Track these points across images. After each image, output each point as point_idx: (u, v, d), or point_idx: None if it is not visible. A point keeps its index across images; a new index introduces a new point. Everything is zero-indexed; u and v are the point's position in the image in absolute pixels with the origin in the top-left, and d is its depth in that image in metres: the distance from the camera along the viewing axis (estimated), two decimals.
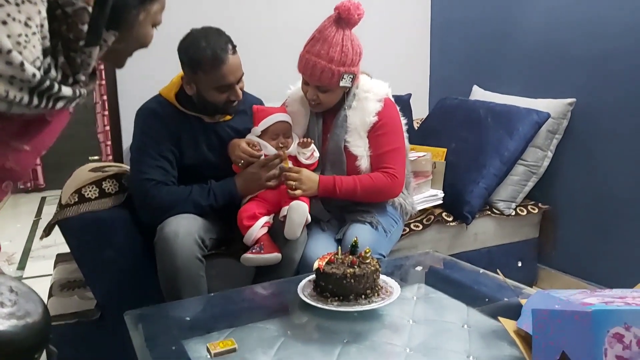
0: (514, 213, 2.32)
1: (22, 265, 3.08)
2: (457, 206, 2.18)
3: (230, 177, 1.69)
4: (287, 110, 1.81)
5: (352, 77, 1.67)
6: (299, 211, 1.58)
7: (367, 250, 1.29)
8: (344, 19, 1.62)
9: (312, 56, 1.62)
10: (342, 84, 1.65)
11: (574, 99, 2.26)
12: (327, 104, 1.71)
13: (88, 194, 1.63)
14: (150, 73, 2.36)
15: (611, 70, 2.13)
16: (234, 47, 1.61)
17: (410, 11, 3.00)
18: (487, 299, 1.38)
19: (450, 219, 2.19)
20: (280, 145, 1.71)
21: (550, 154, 2.32)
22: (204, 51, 1.55)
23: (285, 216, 1.61)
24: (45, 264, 2.97)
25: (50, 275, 2.21)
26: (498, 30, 2.62)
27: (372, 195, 1.73)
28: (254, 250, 1.59)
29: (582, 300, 1.00)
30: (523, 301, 1.20)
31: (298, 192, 1.61)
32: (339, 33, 1.62)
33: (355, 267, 1.24)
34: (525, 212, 2.34)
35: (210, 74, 1.57)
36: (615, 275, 2.18)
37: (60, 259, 2.22)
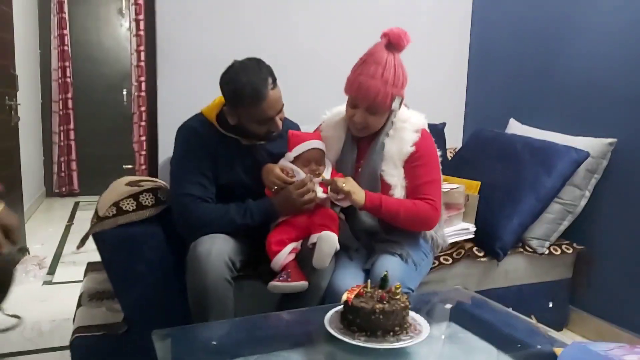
0: (547, 252, 2.26)
1: (52, 270, 3.14)
2: (489, 241, 2.14)
3: (266, 197, 1.70)
4: (322, 135, 1.81)
5: (400, 100, 1.69)
6: (328, 242, 1.57)
7: (398, 286, 1.27)
8: (394, 45, 1.65)
9: (366, 78, 1.62)
10: (394, 105, 1.67)
11: (614, 139, 2.20)
12: (373, 127, 1.71)
13: (126, 207, 1.67)
14: (190, 90, 2.41)
15: None
16: (274, 80, 1.63)
17: (449, 40, 2.99)
18: (518, 344, 1.34)
19: (481, 254, 2.14)
20: (312, 172, 1.71)
21: (587, 194, 2.26)
22: (244, 87, 1.58)
23: (314, 244, 1.60)
24: (75, 270, 3.03)
25: (80, 281, 2.26)
26: (538, 63, 2.59)
27: (413, 222, 1.71)
28: (281, 278, 1.59)
29: (622, 357, 0.96)
30: (557, 351, 1.17)
31: (346, 188, 1.58)
32: (390, 56, 1.64)
33: (385, 302, 1.23)
34: (559, 252, 2.28)
35: (251, 109, 1.61)
36: None
37: (90, 267, 2.27)
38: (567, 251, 2.30)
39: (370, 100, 1.63)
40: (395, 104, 1.67)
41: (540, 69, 2.58)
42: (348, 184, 1.62)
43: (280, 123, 1.68)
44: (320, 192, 1.67)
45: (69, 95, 5.21)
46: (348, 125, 1.79)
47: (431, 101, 2.83)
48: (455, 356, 1.26)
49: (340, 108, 1.86)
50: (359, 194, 1.63)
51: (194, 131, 1.71)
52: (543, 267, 2.29)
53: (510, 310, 1.50)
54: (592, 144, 2.22)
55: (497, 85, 2.87)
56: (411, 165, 1.70)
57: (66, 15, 5.11)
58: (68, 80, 5.19)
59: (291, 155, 1.74)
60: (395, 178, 1.71)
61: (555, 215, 2.25)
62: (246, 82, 1.58)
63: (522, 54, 2.69)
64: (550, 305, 2.32)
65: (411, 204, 1.68)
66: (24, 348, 2.15)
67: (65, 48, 5.14)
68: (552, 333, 1.32)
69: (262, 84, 1.59)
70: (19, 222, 1.19)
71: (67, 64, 5.17)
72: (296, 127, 1.92)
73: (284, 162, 1.75)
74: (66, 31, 5.13)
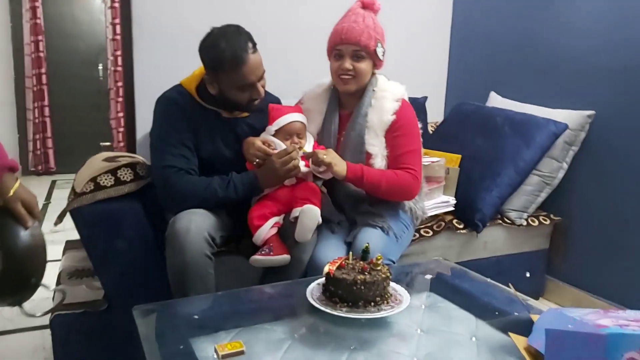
0: (525, 223, 2.30)
1: None
2: (469, 214, 2.17)
3: (249, 170, 1.69)
4: (303, 107, 1.81)
5: (383, 51, 1.73)
6: (311, 215, 1.57)
7: (379, 257, 1.29)
8: (367, 5, 1.73)
9: (349, 23, 1.69)
10: (377, 51, 1.70)
11: (593, 112, 2.23)
12: (360, 76, 1.71)
13: (104, 182, 1.63)
14: (167, 63, 2.36)
15: (633, 84, 2.09)
16: (254, 44, 1.61)
17: (430, 14, 2.97)
18: (496, 312, 1.37)
19: (461, 226, 2.17)
20: (294, 144, 1.70)
21: (565, 166, 2.30)
22: (224, 52, 1.55)
23: (296, 217, 1.60)
24: (53, 248, 2.92)
25: (58, 260, 2.23)
26: (519, 37, 2.59)
27: (394, 193, 1.73)
28: (263, 252, 1.59)
29: (595, 322, 0.99)
30: (534, 317, 1.19)
31: (327, 159, 1.60)
32: (367, 12, 1.72)
33: (366, 273, 1.24)
34: (536, 223, 2.32)
35: (231, 75, 1.58)
36: (625, 291, 2.16)
37: (69, 245, 2.24)
38: (545, 222, 2.34)
39: (355, 40, 1.67)
40: (379, 51, 1.70)
41: (521, 43, 2.59)
42: (329, 155, 1.62)
43: (262, 90, 1.65)
44: (302, 166, 1.67)
45: (43, 70, 5.05)
46: (333, 94, 1.80)
47: (413, 75, 2.81)
48: (435, 325, 1.28)
49: (323, 80, 1.85)
50: (341, 165, 1.63)
51: (173, 102, 1.67)
52: (521, 238, 2.34)
53: (488, 280, 1.53)
54: (570, 117, 2.24)
55: (478, 59, 2.87)
56: (392, 135, 1.71)
57: None
58: (41, 54, 5.02)
59: (272, 128, 1.72)
60: (376, 147, 1.72)
61: (533, 187, 2.28)
62: (226, 47, 1.55)
63: (503, 28, 2.69)
64: (528, 275, 2.37)
65: (392, 174, 1.69)
66: (4, 328, 2.12)
67: (38, 21, 4.96)
68: (530, 301, 1.35)
69: (242, 48, 1.56)
70: (37, 198, 1.19)
71: (40, 38, 4.99)
72: (277, 100, 1.89)
73: (265, 135, 1.73)
74: (38, 3, 4.94)
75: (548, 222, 2.35)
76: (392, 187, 1.69)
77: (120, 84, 4.91)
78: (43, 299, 1.46)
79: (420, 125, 1.80)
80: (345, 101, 1.80)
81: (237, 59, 1.55)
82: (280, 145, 1.68)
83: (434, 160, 2.16)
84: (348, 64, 1.69)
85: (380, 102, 1.72)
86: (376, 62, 1.74)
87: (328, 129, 1.79)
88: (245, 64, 1.56)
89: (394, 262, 1.69)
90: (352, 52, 1.68)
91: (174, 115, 1.65)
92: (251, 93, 1.63)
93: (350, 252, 1.36)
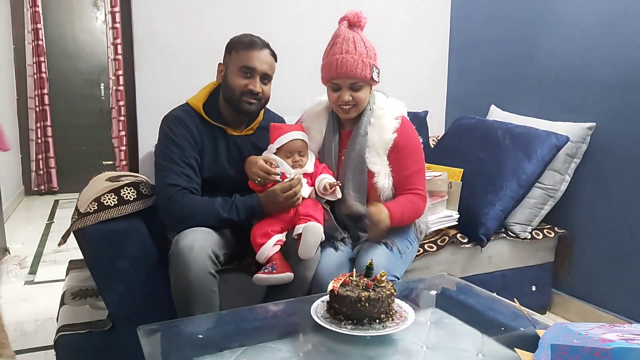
0: (529, 236, 2.29)
1: (33, 270, 3.09)
2: (473, 228, 2.16)
3: (253, 193, 1.69)
4: (303, 126, 1.81)
5: (378, 72, 1.72)
6: (314, 232, 1.57)
7: (383, 274, 1.28)
8: (354, 23, 1.71)
9: (341, 54, 1.66)
10: (374, 76, 1.69)
11: (593, 123, 2.24)
12: (360, 104, 1.71)
13: (107, 202, 1.64)
14: (168, 82, 2.39)
15: (632, 96, 2.10)
16: (274, 53, 1.74)
17: (429, 29, 3.00)
18: (502, 328, 1.36)
19: (465, 240, 2.16)
20: (295, 163, 1.71)
21: (568, 178, 2.30)
22: (245, 37, 1.72)
23: (299, 234, 1.60)
24: (56, 268, 2.99)
25: (62, 280, 2.23)
26: (518, 50, 2.61)
27: (412, 219, 1.78)
28: (266, 270, 1.59)
29: (601, 336, 0.98)
30: (540, 332, 1.19)
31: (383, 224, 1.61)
32: (355, 34, 1.70)
33: (370, 290, 1.23)
34: (541, 236, 2.31)
35: (240, 53, 1.68)
36: (631, 304, 2.14)
37: (72, 265, 2.23)
38: (549, 235, 2.33)
39: (351, 74, 1.65)
40: (375, 75, 1.70)
41: (520, 56, 2.61)
42: (380, 214, 1.62)
43: (259, 86, 1.68)
44: (305, 190, 1.67)
45: (45, 91, 5.10)
46: (333, 112, 1.80)
47: (414, 90, 2.85)
48: (440, 341, 1.27)
49: (321, 98, 1.86)
50: (386, 221, 1.63)
51: (178, 120, 1.69)
52: (526, 251, 2.33)
53: (494, 295, 1.52)
54: (571, 129, 2.25)
55: (477, 72, 2.89)
56: (396, 155, 1.71)
57: (40, 9, 4.99)
58: (44, 75, 5.08)
59: (273, 146, 1.73)
60: (378, 166, 1.72)
61: (536, 200, 2.28)
62: (247, 35, 1.73)
63: (501, 41, 2.71)
64: (534, 289, 2.36)
65: (408, 203, 1.71)
66: None
67: (40, 43, 5.03)
68: (536, 316, 1.35)
69: (262, 42, 1.72)
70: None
71: (42, 59, 5.05)
72: (281, 120, 1.92)
73: (267, 154, 1.74)
74: (40, 25, 5.01)
75: (552, 235, 2.34)
76: (412, 216, 1.75)
77: (122, 103, 4.95)
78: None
79: (421, 140, 1.81)
80: (344, 120, 1.81)
81: (252, 43, 1.69)
82: (282, 163, 1.69)
83: (436, 174, 2.16)
84: (347, 96, 1.68)
85: (379, 121, 1.72)
86: (373, 84, 1.74)
87: (329, 147, 1.79)
88: (256, 50, 1.68)
89: (398, 278, 1.68)
90: (349, 84, 1.67)
91: (179, 134, 1.67)
92: (249, 83, 1.67)
93: (354, 269, 1.35)
